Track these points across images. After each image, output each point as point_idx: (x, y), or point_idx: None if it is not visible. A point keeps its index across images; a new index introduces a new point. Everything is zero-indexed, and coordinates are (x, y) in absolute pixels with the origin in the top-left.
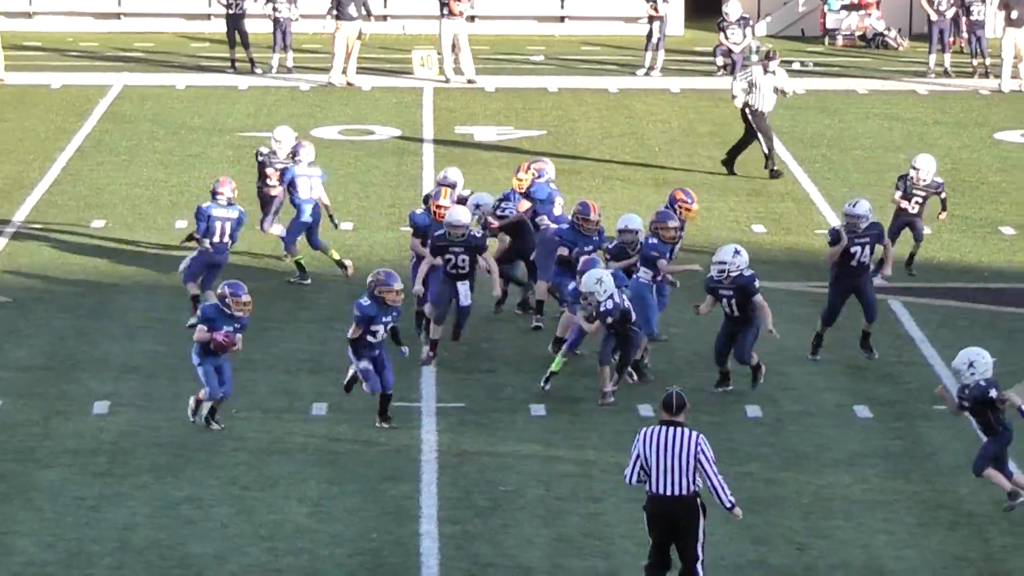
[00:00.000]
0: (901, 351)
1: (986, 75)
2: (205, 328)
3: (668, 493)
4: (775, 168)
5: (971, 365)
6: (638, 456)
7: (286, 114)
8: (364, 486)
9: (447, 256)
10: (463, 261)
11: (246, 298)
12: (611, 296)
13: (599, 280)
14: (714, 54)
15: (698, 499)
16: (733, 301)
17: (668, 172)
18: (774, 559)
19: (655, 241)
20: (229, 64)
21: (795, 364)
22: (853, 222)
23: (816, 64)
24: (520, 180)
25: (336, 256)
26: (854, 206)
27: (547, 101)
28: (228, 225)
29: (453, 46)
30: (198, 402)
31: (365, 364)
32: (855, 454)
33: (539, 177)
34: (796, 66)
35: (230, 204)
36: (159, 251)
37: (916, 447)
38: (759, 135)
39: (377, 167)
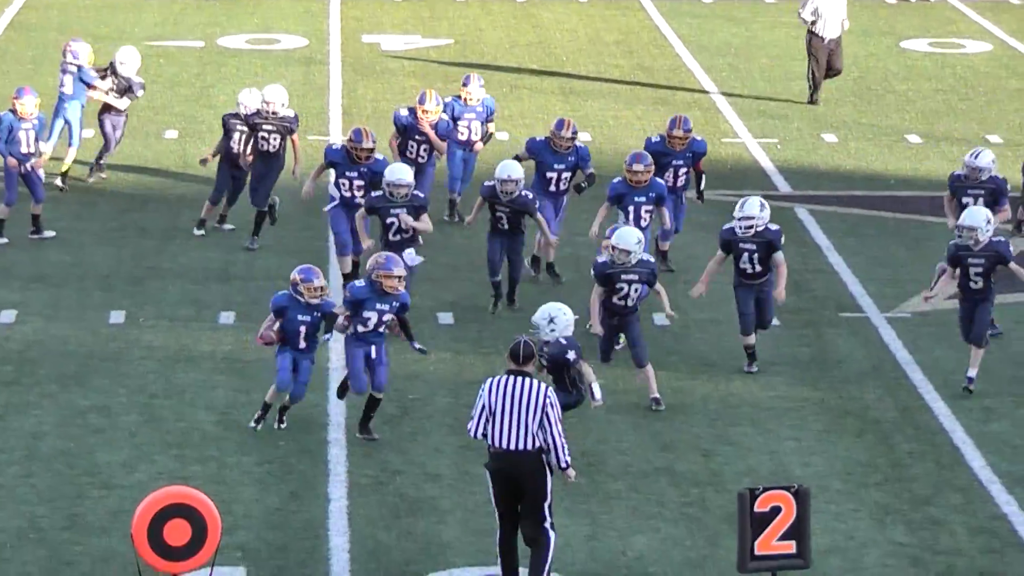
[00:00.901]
0: (807, 259)
1: None
2: (268, 321)
3: (512, 447)
4: (815, 97)
5: (551, 320)
6: (483, 407)
7: (192, 23)
8: None
9: (388, 220)
10: (406, 224)
11: (319, 282)
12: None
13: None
14: None
15: (543, 456)
16: (756, 256)
17: (575, 81)
18: (680, 466)
19: (617, 181)
20: None
21: (701, 272)
22: (973, 174)
23: None
24: (426, 111)
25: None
26: (976, 157)
27: (454, 10)
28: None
29: None
30: (282, 405)
31: (353, 356)
32: (762, 361)
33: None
34: None
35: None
36: (63, 159)
37: (823, 355)
38: (811, 60)
39: (284, 76)
